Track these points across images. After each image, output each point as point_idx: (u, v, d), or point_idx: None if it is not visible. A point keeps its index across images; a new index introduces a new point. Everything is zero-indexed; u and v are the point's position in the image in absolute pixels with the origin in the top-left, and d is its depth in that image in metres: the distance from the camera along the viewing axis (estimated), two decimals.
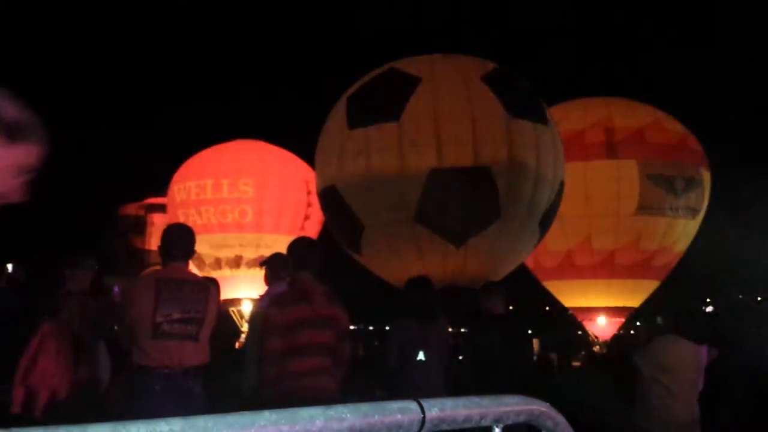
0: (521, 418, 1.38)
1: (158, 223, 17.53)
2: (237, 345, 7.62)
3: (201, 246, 11.05)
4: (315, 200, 11.93)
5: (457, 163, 9.03)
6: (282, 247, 4.90)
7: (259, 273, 6.13)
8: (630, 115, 13.23)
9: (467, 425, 1.29)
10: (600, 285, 13.53)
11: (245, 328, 9.48)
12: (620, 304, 13.81)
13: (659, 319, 5.64)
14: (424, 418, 1.22)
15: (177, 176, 14.40)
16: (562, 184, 10.04)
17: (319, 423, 1.12)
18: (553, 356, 15.78)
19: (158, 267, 4.89)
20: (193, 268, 10.12)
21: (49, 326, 4.86)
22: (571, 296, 14.41)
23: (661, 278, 13.71)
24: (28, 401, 4.67)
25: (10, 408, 4.67)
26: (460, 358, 7.27)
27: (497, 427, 1.35)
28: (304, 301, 4.41)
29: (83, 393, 4.89)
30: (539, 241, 10.27)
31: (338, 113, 10.01)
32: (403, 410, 1.21)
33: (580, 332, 17.61)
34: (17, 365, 4.74)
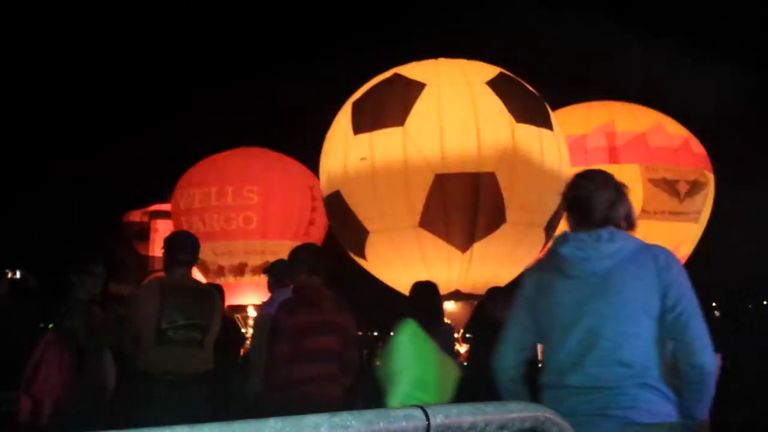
0: (526, 425, 1.38)
1: (162, 229, 17.54)
2: (242, 352, 7.61)
3: (205, 253, 11.05)
4: (320, 206, 11.94)
5: (462, 169, 9.03)
6: (287, 254, 4.89)
7: (263, 280, 6.12)
8: (632, 119, 13.20)
9: None
10: None
11: (249, 334, 9.47)
12: None
13: None
14: (428, 424, 1.22)
15: (181, 183, 14.40)
16: None
17: (323, 430, 1.12)
18: None
19: (161, 274, 4.89)
20: (197, 274, 10.12)
21: (52, 334, 4.85)
22: None
23: None
24: (34, 410, 4.66)
25: (18, 417, 4.67)
26: (465, 363, 7.25)
27: None
28: (313, 306, 4.39)
29: (88, 400, 4.88)
30: (545, 246, 10.26)
31: (343, 118, 10.02)
32: (407, 417, 1.20)
33: None
34: (22, 374, 4.74)
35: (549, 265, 2.64)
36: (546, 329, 2.61)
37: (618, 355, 2.40)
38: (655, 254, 2.51)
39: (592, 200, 2.63)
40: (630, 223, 2.69)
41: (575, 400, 2.42)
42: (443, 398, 3.38)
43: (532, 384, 2.71)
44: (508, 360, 2.72)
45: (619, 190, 2.70)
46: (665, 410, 2.39)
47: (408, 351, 3.58)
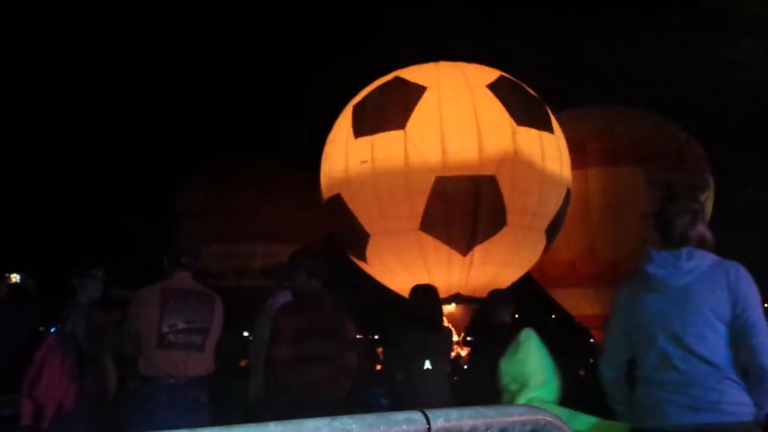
0: (527, 428, 1.38)
1: (164, 234, 17.55)
2: (242, 355, 7.61)
3: (206, 257, 11.04)
4: (320, 209, 11.93)
5: (462, 172, 9.02)
6: (287, 257, 4.89)
7: (264, 283, 6.12)
8: (631, 122, 13.16)
9: None
10: (604, 293, 13.44)
11: (250, 338, 9.45)
12: None
13: None
14: (429, 428, 1.22)
15: (183, 187, 14.43)
16: (568, 192, 10.03)
17: None
18: (562, 364, 15.65)
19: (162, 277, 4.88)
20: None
21: (54, 338, 4.85)
22: (577, 304, 14.34)
23: None
24: (36, 413, 4.66)
25: (20, 421, 4.66)
26: (466, 366, 7.24)
27: None
28: (313, 310, 4.39)
29: (90, 404, 4.88)
30: (546, 249, 10.25)
31: (344, 121, 10.02)
32: (408, 421, 1.20)
33: (591, 340, 17.53)
34: (23, 377, 4.74)
35: (637, 281, 3.13)
36: (638, 335, 3.08)
37: (701, 356, 2.86)
38: (727, 269, 2.95)
39: (673, 223, 3.11)
40: (704, 243, 3.10)
41: (668, 394, 2.91)
42: (558, 399, 3.97)
43: (629, 379, 3.17)
44: (611, 363, 3.22)
45: (695, 215, 3.14)
46: (744, 398, 2.85)
47: (538, 356, 4.09)
